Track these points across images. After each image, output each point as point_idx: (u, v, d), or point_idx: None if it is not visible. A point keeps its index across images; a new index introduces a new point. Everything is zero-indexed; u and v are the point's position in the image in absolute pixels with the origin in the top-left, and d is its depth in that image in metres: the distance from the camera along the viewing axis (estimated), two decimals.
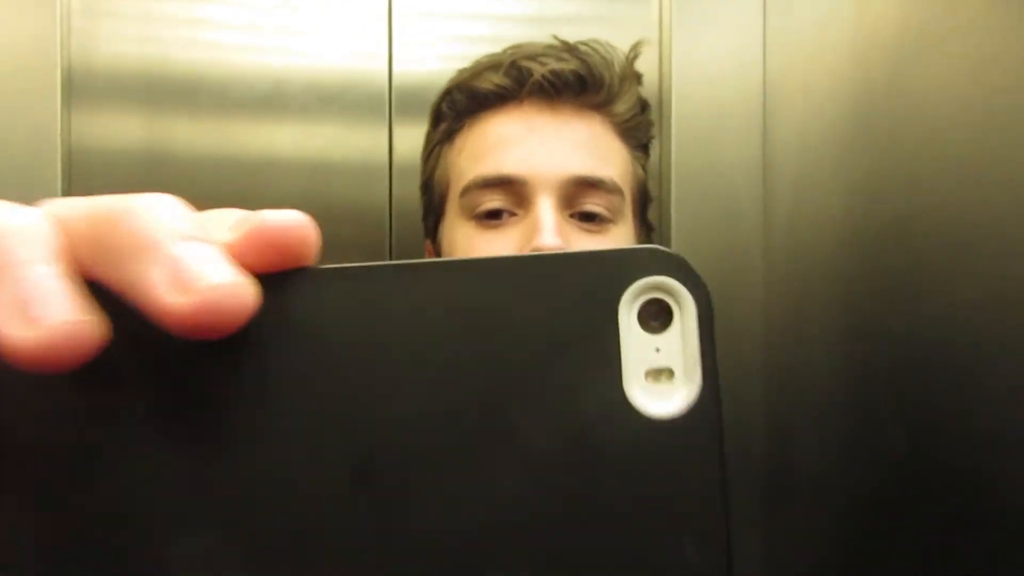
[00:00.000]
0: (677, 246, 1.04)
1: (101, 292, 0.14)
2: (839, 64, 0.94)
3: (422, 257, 0.74)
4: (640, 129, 0.70)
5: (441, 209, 0.70)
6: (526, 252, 0.60)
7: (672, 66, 1.05)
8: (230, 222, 0.17)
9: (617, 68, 0.67)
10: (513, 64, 0.65)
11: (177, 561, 0.14)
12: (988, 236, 0.75)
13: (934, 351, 0.81)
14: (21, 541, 0.14)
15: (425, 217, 0.74)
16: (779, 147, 1.06)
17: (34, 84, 0.90)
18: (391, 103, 0.98)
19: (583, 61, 0.65)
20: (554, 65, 0.64)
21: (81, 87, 0.92)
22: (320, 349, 0.15)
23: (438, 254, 0.71)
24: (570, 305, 0.16)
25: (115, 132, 0.93)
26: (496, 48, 0.98)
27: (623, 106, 0.68)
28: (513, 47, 0.68)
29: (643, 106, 0.71)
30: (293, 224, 0.17)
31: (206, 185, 0.94)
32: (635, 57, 0.69)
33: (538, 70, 0.64)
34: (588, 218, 0.65)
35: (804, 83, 1.01)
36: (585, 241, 0.63)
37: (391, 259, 0.82)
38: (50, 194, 0.92)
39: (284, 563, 0.14)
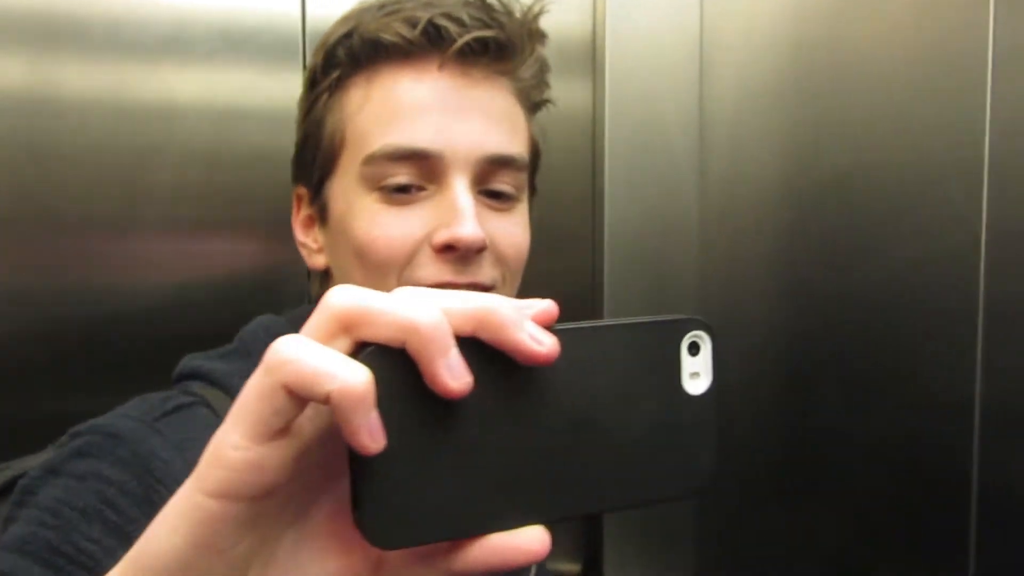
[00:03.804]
0: (611, 201, 1.01)
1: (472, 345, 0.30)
2: (777, 16, 0.92)
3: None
4: (538, 90, 0.69)
5: (330, 166, 0.65)
6: (443, 237, 0.59)
7: (606, 16, 1.01)
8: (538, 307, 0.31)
9: (526, 30, 0.64)
10: (431, 22, 0.61)
11: (505, 472, 0.31)
12: (926, 194, 0.73)
13: (869, 312, 0.80)
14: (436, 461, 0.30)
15: (304, 166, 0.69)
16: (716, 100, 1.03)
17: None
18: (305, 47, 0.92)
19: (501, 27, 0.62)
20: (476, 33, 0.61)
21: None
22: (550, 373, 0.31)
23: (323, 213, 0.66)
24: (662, 345, 0.33)
25: None
26: None
27: (528, 71, 0.66)
28: None
29: (543, 68, 0.68)
30: (551, 307, 0.31)
31: (99, 132, 0.86)
32: (539, 14, 0.66)
33: (458, 35, 0.60)
34: (496, 196, 0.64)
35: (742, 35, 0.98)
36: (495, 222, 0.63)
37: None
38: None
39: (548, 471, 0.31)
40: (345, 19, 0.65)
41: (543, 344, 0.29)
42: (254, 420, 0.27)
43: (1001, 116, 0.66)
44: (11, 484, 0.59)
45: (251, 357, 0.64)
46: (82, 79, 0.86)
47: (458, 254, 0.60)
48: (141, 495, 0.53)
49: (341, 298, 0.29)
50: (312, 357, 0.27)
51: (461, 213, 0.59)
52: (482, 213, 0.62)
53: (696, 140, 1.04)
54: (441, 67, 0.61)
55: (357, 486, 0.28)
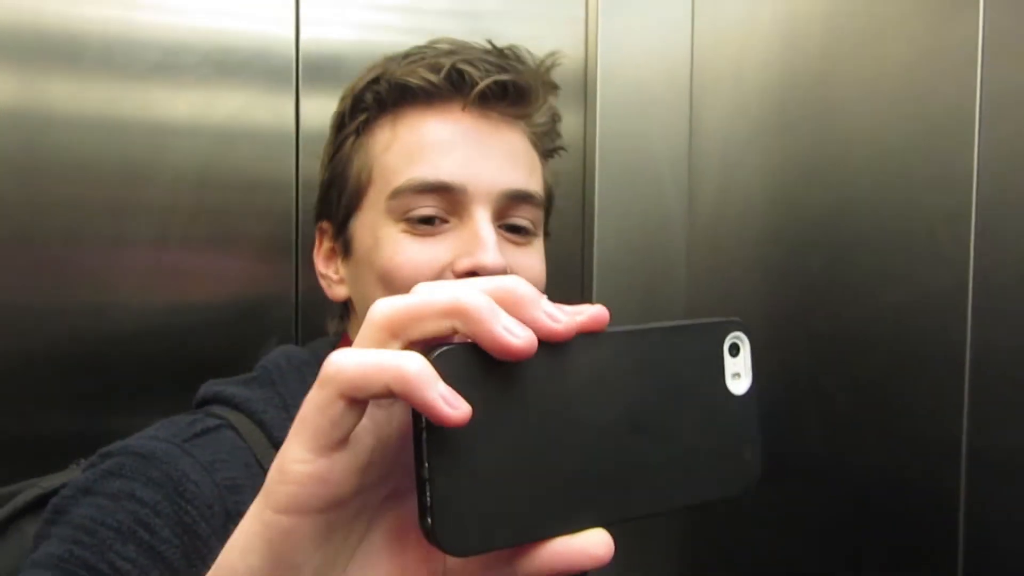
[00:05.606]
0: (600, 234, 1.02)
1: None
2: (768, 55, 0.93)
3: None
4: (550, 138, 0.73)
5: (356, 203, 0.68)
6: (466, 264, 0.62)
7: (598, 48, 1.02)
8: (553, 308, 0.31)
9: (540, 79, 0.69)
10: (454, 68, 0.65)
11: (565, 465, 0.30)
12: (913, 238, 0.73)
13: (855, 354, 0.79)
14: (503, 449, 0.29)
15: (329, 203, 0.72)
16: (706, 136, 1.04)
17: None
18: (298, 71, 0.92)
19: (518, 72, 0.67)
20: (496, 76, 0.65)
21: None
22: (605, 374, 0.32)
23: (347, 247, 0.69)
24: (703, 347, 0.34)
25: None
26: (407, 18, 0.93)
27: (542, 117, 0.70)
28: (446, 45, 0.68)
29: (555, 117, 0.73)
30: (602, 312, 0.32)
31: (90, 151, 0.85)
32: (552, 66, 0.71)
33: (480, 79, 0.65)
34: (515, 230, 0.67)
35: (732, 72, 0.99)
36: (514, 254, 0.66)
37: (296, 229, 0.90)
38: None
39: (603, 468, 0.31)
40: (372, 68, 0.70)
41: (518, 337, 0.28)
42: (315, 433, 0.28)
43: (989, 161, 0.67)
44: (36, 501, 0.61)
45: (274, 385, 0.66)
46: (74, 97, 0.85)
47: None
48: (173, 516, 0.54)
49: (383, 306, 0.29)
50: (363, 357, 0.27)
51: (484, 242, 0.62)
52: (502, 245, 0.64)
53: (685, 172, 1.05)
54: (464, 108, 0.66)
55: (427, 492, 0.28)
